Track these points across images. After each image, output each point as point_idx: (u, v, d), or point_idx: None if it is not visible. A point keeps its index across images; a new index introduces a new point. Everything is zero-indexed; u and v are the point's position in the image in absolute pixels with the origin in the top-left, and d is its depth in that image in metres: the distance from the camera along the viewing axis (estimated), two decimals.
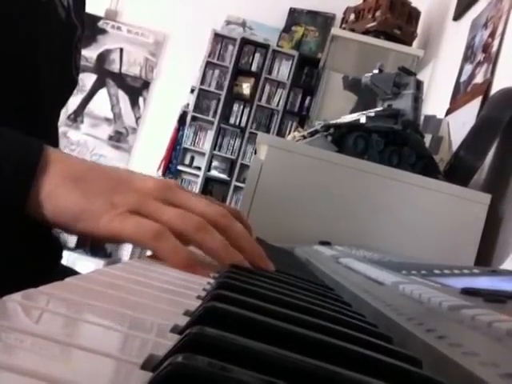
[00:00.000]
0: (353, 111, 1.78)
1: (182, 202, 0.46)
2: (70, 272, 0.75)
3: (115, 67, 5.03)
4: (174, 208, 0.45)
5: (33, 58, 0.61)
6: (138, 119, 5.02)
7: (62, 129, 4.69)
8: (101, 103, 5.00)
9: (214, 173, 4.84)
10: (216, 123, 4.82)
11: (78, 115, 4.95)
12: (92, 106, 4.99)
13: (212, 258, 0.45)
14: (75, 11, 0.69)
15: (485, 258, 1.26)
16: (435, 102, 2.31)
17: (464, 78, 1.97)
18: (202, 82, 4.84)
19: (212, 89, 4.86)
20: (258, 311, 0.24)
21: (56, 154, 0.45)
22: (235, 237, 0.46)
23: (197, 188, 4.72)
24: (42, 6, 0.61)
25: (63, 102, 0.73)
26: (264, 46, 4.85)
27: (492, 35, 1.79)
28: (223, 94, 4.83)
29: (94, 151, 4.95)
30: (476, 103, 1.67)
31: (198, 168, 4.85)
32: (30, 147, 0.45)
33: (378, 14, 2.93)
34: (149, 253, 0.46)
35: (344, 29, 3.15)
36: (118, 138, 5.00)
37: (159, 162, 4.66)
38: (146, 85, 5.03)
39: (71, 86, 0.73)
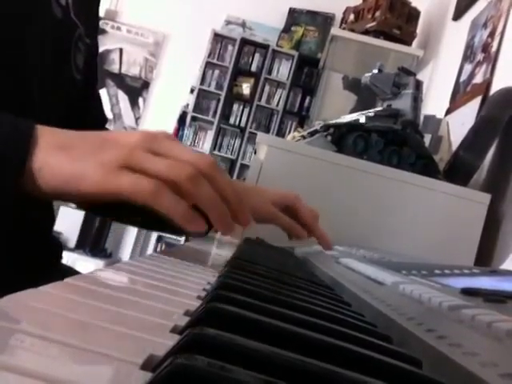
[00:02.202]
0: (352, 111, 1.78)
1: (169, 152, 0.46)
2: (70, 271, 0.75)
3: (115, 67, 5.03)
4: (163, 159, 0.45)
5: (24, 63, 0.60)
6: (137, 119, 5.02)
7: None
8: None
9: None
10: (216, 123, 4.82)
11: None
12: None
13: (200, 206, 0.46)
14: (75, 10, 0.69)
15: (485, 257, 1.26)
16: (435, 102, 2.31)
17: (464, 77, 1.98)
18: (202, 82, 4.84)
19: (212, 89, 4.86)
20: (258, 311, 0.24)
21: (43, 128, 0.46)
22: (222, 188, 0.47)
23: None
24: (32, 5, 0.61)
25: (63, 100, 0.73)
26: (264, 46, 4.85)
27: (491, 35, 1.79)
28: (223, 94, 4.83)
29: None
30: (475, 103, 1.67)
31: None
32: (19, 125, 0.46)
33: (377, 14, 2.93)
34: (149, 252, 0.46)
35: (344, 29, 3.16)
36: None
37: None
38: (145, 85, 5.03)
39: (71, 84, 0.73)
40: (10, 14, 0.58)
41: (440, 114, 1.94)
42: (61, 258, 0.77)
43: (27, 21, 0.60)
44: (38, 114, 0.64)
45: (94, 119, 0.84)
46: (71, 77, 0.72)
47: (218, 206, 0.46)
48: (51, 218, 0.75)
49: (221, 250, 0.65)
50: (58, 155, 0.45)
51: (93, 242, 4.39)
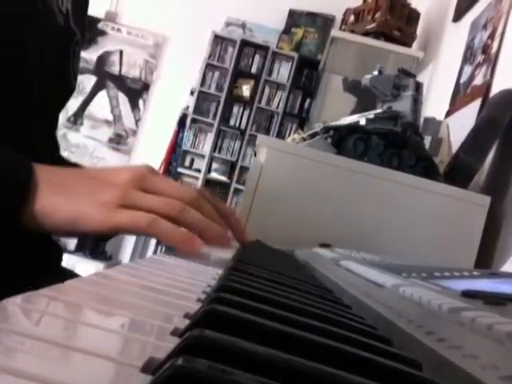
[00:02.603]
0: (352, 113, 1.78)
1: (159, 189, 0.52)
2: (70, 274, 0.75)
3: (115, 69, 5.04)
4: (155, 196, 0.50)
5: (24, 63, 0.61)
6: (137, 121, 5.02)
7: (61, 131, 4.69)
8: (100, 105, 5.00)
9: (213, 175, 4.84)
10: (216, 125, 4.82)
11: (77, 117, 4.95)
12: (92, 108, 4.99)
13: (194, 232, 0.51)
14: (74, 17, 0.69)
15: (485, 260, 1.26)
16: (435, 104, 2.31)
17: (464, 79, 1.98)
18: (202, 83, 4.85)
19: (212, 91, 4.86)
20: (258, 314, 0.24)
21: (39, 167, 0.49)
22: (208, 213, 0.54)
23: None
24: (38, 13, 0.61)
25: (60, 106, 0.73)
26: (264, 48, 4.85)
27: (491, 36, 1.79)
28: (223, 96, 4.83)
29: (93, 154, 4.95)
30: (476, 105, 1.67)
31: (198, 170, 4.84)
32: (19, 164, 0.48)
33: (377, 15, 2.93)
34: (149, 254, 0.47)
35: (344, 30, 3.16)
36: (118, 141, 5.00)
37: (159, 164, 4.66)
38: (145, 87, 5.03)
39: (68, 91, 0.74)
40: (10, 14, 0.58)
41: (440, 116, 1.94)
42: (61, 260, 0.76)
43: (27, 21, 0.60)
44: (37, 115, 0.64)
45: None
46: (69, 84, 0.72)
47: (209, 226, 0.53)
48: None
49: (220, 253, 0.65)
50: (58, 196, 0.48)
51: (93, 244, 4.38)
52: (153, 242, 4.73)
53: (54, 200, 0.47)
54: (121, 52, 5.03)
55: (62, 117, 0.77)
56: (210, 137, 4.85)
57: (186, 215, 0.51)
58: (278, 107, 4.83)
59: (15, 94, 0.60)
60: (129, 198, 0.49)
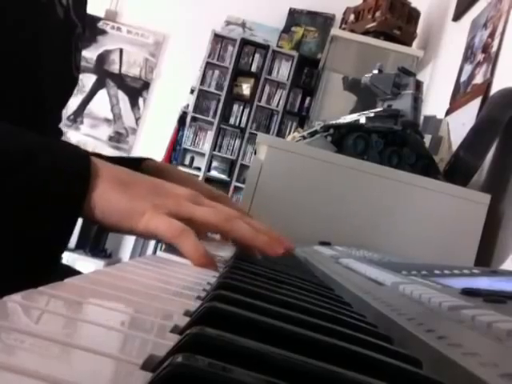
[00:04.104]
0: (352, 112, 1.78)
1: (208, 204, 0.54)
2: (70, 271, 0.75)
3: (115, 68, 5.03)
4: (203, 208, 0.52)
5: (34, 57, 0.61)
6: (137, 120, 5.02)
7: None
8: (101, 104, 5.00)
9: (213, 173, 4.84)
10: (216, 124, 4.82)
11: (77, 116, 4.95)
12: (92, 106, 4.99)
13: (241, 241, 0.54)
14: (74, 9, 0.69)
15: (485, 258, 1.26)
16: (435, 103, 2.31)
17: (464, 78, 1.98)
18: (202, 82, 4.84)
19: (212, 89, 4.86)
20: (258, 311, 0.24)
21: (99, 161, 0.50)
22: (253, 224, 0.56)
23: None
24: (42, 6, 0.61)
25: (64, 101, 0.73)
26: (264, 47, 4.85)
27: (492, 35, 1.79)
28: (223, 94, 4.83)
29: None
30: (476, 103, 1.67)
31: (198, 168, 4.84)
32: (79, 152, 0.49)
33: (377, 14, 2.93)
34: (149, 252, 0.48)
35: (344, 29, 3.16)
36: (118, 139, 5.00)
37: None
38: (145, 85, 5.03)
39: (72, 84, 0.73)
40: (18, 8, 0.58)
41: (440, 115, 1.94)
42: (61, 258, 0.76)
43: (34, 13, 0.60)
44: (47, 110, 0.64)
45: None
46: (72, 77, 0.72)
47: (255, 235, 0.54)
48: None
49: (221, 251, 0.65)
50: (116, 190, 0.49)
51: (93, 242, 4.38)
52: (153, 240, 4.73)
53: (112, 192, 0.49)
54: (121, 51, 5.03)
55: (62, 115, 0.77)
56: (210, 135, 4.84)
57: (233, 224, 0.53)
58: (278, 106, 4.83)
59: (28, 88, 0.61)
60: (180, 208, 0.51)
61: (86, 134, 4.98)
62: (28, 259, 0.51)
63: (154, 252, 4.19)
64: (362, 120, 1.33)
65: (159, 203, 0.50)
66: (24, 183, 0.45)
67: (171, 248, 0.51)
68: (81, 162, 0.48)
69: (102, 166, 0.49)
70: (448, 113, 1.98)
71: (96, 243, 4.44)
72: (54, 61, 0.65)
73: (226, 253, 0.65)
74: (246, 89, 4.87)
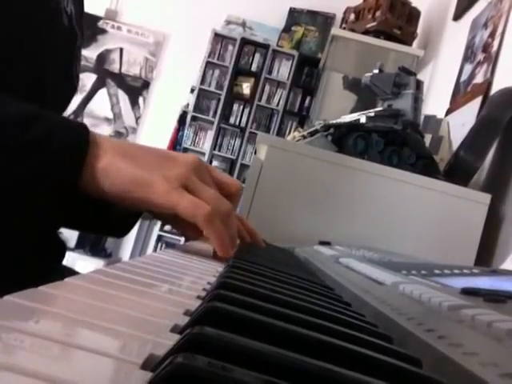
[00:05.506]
0: (353, 111, 1.78)
1: (210, 183, 0.54)
2: (70, 272, 0.75)
3: (115, 67, 5.03)
4: (210, 189, 0.52)
5: (39, 62, 0.61)
6: (137, 119, 5.02)
7: None
8: (101, 103, 5.00)
9: None
10: (216, 123, 4.82)
11: (77, 115, 4.95)
12: (92, 105, 4.99)
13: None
14: (76, 19, 0.70)
15: (485, 257, 1.26)
16: (435, 102, 2.31)
17: (464, 77, 1.97)
18: (202, 81, 4.84)
19: (212, 89, 4.86)
20: (258, 311, 0.24)
21: (100, 134, 0.50)
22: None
23: None
24: (51, 11, 0.61)
25: (64, 108, 0.74)
26: (264, 46, 4.85)
27: (492, 35, 1.79)
28: (223, 93, 4.83)
29: None
30: (476, 103, 1.67)
31: None
32: (75, 125, 0.49)
33: (378, 13, 2.93)
34: (149, 251, 0.47)
35: (344, 29, 3.16)
36: (118, 138, 5.00)
37: None
38: (145, 85, 5.03)
39: (71, 92, 0.74)
40: (28, 13, 0.58)
41: (440, 114, 1.94)
42: (63, 258, 0.76)
43: (42, 19, 0.60)
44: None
45: None
46: (72, 85, 0.73)
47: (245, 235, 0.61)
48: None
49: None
50: (123, 160, 0.48)
51: (93, 241, 4.39)
52: (153, 239, 4.73)
53: (120, 162, 0.48)
54: (121, 50, 5.03)
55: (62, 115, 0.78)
56: (210, 134, 4.84)
57: (230, 221, 0.53)
58: (278, 105, 4.83)
59: (33, 93, 0.61)
60: (191, 181, 0.50)
61: None
62: (28, 246, 0.51)
63: (155, 251, 4.20)
64: (363, 119, 1.33)
65: (169, 174, 0.49)
66: (25, 146, 0.45)
67: (171, 248, 0.51)
68: (78, 130, 0.48)
69: (104, 139, 0.49)
70: (448, 112, 1.98)
71: (96, 243, 4.44)
72: (57, 67, 0.65)
73: None
74: (246, 88, 4.87)
